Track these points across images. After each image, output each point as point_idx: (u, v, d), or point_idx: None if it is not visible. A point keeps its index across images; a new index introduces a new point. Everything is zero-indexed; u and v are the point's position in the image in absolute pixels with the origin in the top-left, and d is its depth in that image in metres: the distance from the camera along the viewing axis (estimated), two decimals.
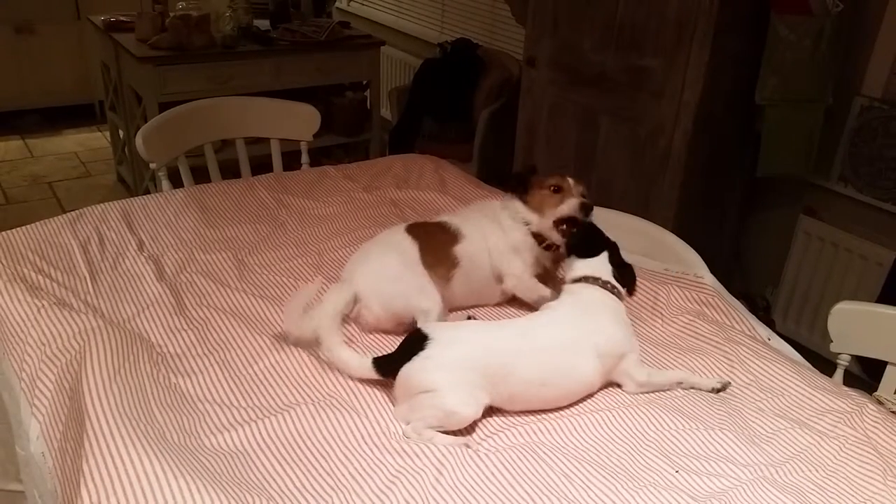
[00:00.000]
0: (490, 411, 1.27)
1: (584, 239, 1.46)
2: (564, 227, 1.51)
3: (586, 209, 1.50)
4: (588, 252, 1.43)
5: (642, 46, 2.57)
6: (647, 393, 1.35)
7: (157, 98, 3.39)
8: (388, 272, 1.49)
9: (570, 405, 1.31)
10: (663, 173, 2.62)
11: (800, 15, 2.37)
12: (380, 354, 1.32)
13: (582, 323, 1.34)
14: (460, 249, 1.54)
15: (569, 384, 1.30)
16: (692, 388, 1.37)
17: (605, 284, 1.39)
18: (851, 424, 1.29)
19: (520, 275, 1.56)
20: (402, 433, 1.21)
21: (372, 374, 1.29)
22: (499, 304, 1.62)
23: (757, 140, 2.59)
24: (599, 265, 1.42)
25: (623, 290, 1.42)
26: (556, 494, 1.10)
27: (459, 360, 1.25)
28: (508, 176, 1.61)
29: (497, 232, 1.58)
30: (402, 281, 1.48)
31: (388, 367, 1.28)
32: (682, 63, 2.45)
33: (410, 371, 1.24)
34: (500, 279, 1.58)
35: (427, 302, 1.47)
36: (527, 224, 1.56)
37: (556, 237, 1.52)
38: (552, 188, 1.54)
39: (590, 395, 1.34)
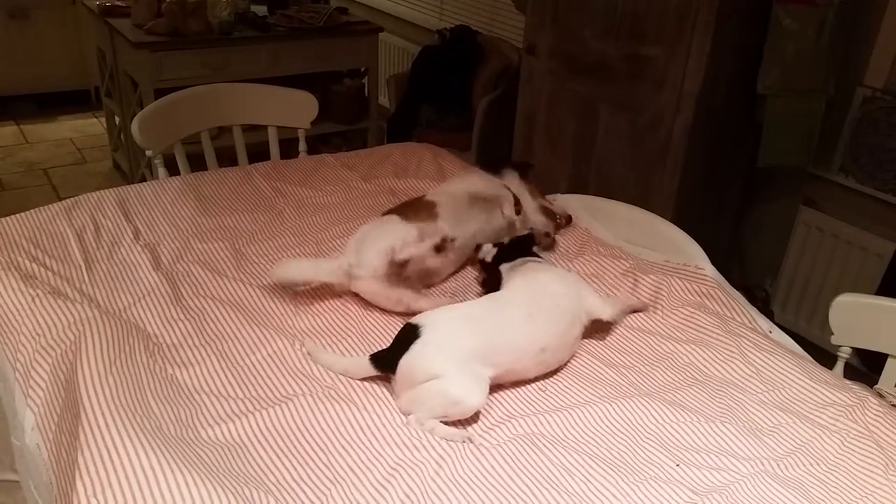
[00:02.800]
0: (490, 404, 1.26)
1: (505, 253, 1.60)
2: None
3: (570, 221, 1.88)
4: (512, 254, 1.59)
5: (643, 35, 2.55)
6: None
7: (153, 84, 3.35)
8: (372, 232, 1.58)
9: (573, 386, 1.31)
10: (663, 163, 2.60)
11: (803, 4, 2.35)
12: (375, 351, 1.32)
13: (531, 271, 1.49)
14: (430, 196, 1.72)
15: (551, 305, 1.39)
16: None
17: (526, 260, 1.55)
18: (853, 418, 1.28)
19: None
20: (406, 422, 1.20)
21: (371, 371, 1.28)
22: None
23: (758, 130, 2.58)
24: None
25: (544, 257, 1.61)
26: (556, 488, 1.09)
27: (456, 334, 1.27)
28: (520, 163, 1.96)
29: (469, 177, 1.84)
30: (386, 230, 1.58)
31: (385, 362, 1.27)
32: (684, 52, 2.43)
33: (412, 359, 1.23)
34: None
35: (399, 230, 1.56)
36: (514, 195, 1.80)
37: (534, 218, 1.79)
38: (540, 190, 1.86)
39: (572, 374, 1.34)
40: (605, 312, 1.45)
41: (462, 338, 1.27)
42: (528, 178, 1.84)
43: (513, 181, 1.82)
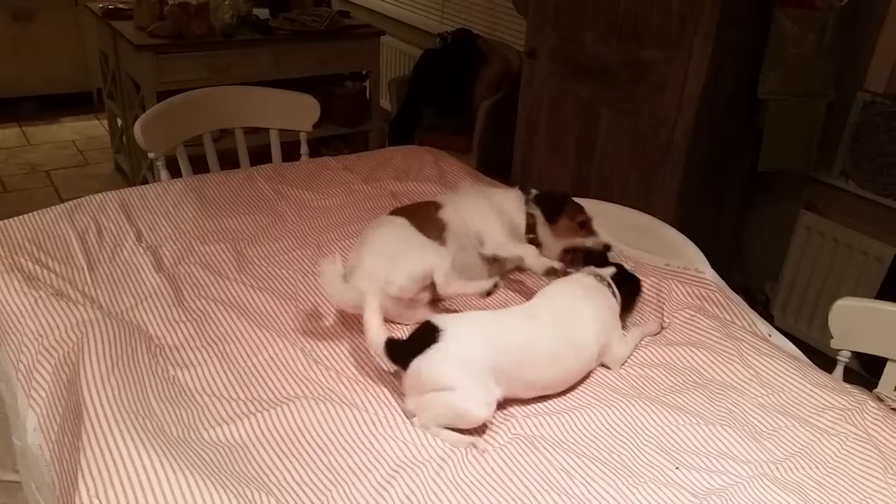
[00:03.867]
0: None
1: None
2: (570, 256, 1.66)
3: (608, 248, 1.67)
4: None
5: (644, 39, 2.56)
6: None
7: (155, 87, 3.36)
8: (390, 246, 1.52)
9: (572, 389, 1.33)
10: (664, 167, 2.61)
11: (804, 8, 2.36)
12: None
13: (581, 298, 1.42)
14: (443, 214, 1.63)
15: (574, 353, 1.33)
16: (646, 337, 1.50)
17: (602, 280, 1.47)
18: (852, 421, 1.28)
19: (501, 242, 1.63)
20: (412, 423, 1.20)
21: (381, 353, 1.25)
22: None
23: (758, 134, 2.58)
24: (606, 270, 1.51)
25: (618, 294, 1.46)
26: (556, 490, 1.09)
27: (473, 354, 1.23)
28: (544, 196, 1.72)
29: (480, 204, 1.68)
30: (407, 247, 1.51)
31: (399, 354, 1.24)
32: (685, 56, 2.44)
33: (423, 365, 1.20)
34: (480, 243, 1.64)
35: (435, 257, 1.50)
36: (533, 234, 1.67)
37: (556, 261, 1.60)
38: (580, 223, 1.67)
39: (586, 378, 1.36)
40: (616, 366, 1.40)
41: (479, 353, 1.23)
42: (555, 214, 1.67)
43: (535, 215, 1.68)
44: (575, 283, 1.45)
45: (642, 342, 1.48)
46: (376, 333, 1.27)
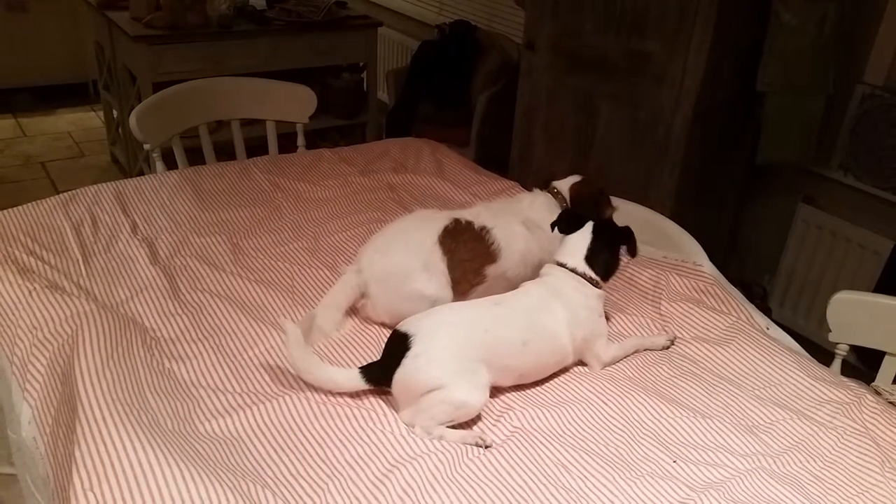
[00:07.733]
0: (487, 401, 1.26)
1: (565, 219, 1.46)
2: None
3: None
4: (570, 228, 1.43)
5: (643, 31, 2.54)
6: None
7: (151, 78, 3.34)
8: (407, 282, 1.44)
9: (570, 382, 1.31)
10: (663, 159, 2.60)
11: (803, 0, 2.34)
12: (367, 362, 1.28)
13: (551, 297, 1.35)
14: (492, 270, 1.50)
15: (546, 343, 1.32)
16: (646, 349, 1.44)
17: (574, 270, 1.38)
18: (850, 415, 1.28)
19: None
20: (414, 432, 1.18)
21: (362, 384, 1.23)
22: None
23: (757, 127, 2.57)
24: (576, 248, 1.40)
25: (598, 278, 1.39)
26: (554, 484, 1.09)
27: (449, 344, 1.23)
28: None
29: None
30: (419, 297, 1.43)
31: (378, 375, 1.23)
32: (684, 48, 2.43)
33: (406, 374, 1.20)
34: None
35: (438, 298, 1.44)
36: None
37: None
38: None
39: (566, 370, 1.36)
40: (595, 367, 1.38)
41: (454, 344, 1.23)
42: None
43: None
44: (544, 285, 1.38)
45: (638, 334, 1.47)
46: (344, 376, 1.24)
